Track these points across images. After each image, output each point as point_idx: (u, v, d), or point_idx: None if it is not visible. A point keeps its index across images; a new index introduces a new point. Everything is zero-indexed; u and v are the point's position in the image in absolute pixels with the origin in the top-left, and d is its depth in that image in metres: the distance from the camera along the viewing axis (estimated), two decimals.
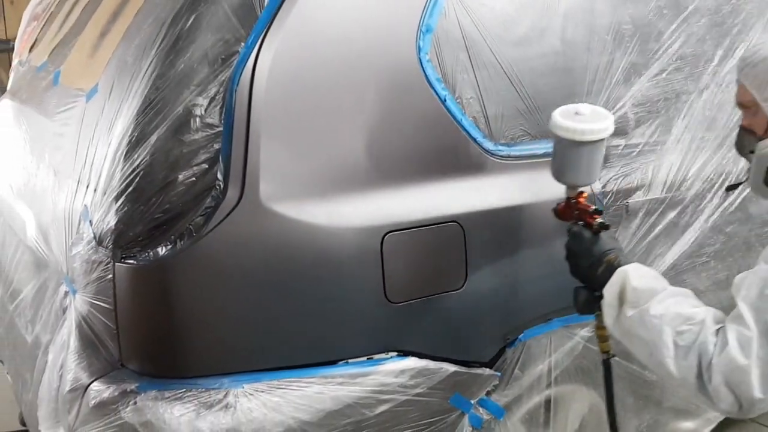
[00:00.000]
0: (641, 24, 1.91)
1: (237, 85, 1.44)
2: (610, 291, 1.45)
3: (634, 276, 1.43)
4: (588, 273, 1.51)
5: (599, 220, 1.53)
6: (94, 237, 1.48)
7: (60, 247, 1.65)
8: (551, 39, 1.78)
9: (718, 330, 1.30)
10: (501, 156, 1.71)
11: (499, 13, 1.71)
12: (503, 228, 1.71)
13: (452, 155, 1.66)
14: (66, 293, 1.63)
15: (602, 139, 1.53)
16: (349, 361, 1.56)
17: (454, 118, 1.64)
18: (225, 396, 1.44)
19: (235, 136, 1.44)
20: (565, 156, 1.56)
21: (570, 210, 1.59)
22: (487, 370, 1.73)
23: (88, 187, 1.55)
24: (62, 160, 1.74)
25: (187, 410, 1.42)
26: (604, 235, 1.53)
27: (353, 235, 1.52)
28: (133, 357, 1.48)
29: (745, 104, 1.50)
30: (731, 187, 1.95)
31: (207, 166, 1.43)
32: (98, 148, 1.55)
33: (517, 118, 1.73)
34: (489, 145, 1.69)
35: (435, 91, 1.61)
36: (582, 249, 1.52)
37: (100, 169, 1.51)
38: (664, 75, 1.97)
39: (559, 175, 1.60)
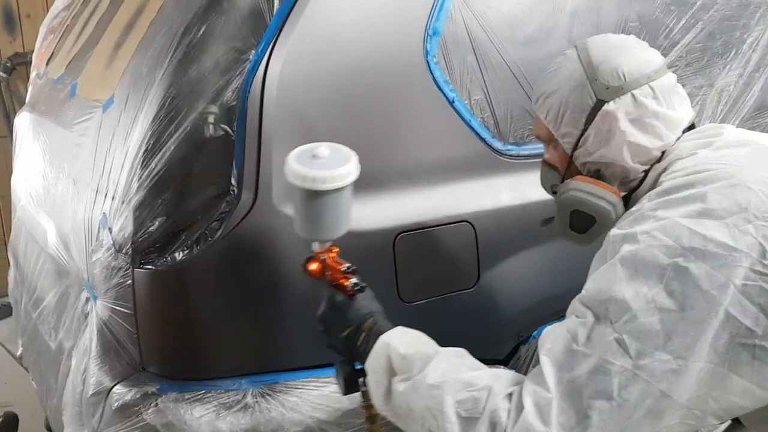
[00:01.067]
0: (648, 21, 1.92)
1: (248, 91, 1.46)
2: (373, 365, 1.21)
3: (399, 342, 1.21)
4: (347, 344, 1.27)
5: (353, 280, 1.30)
6: (114, 244, 1.51)
7: (80, 254, 1.69)
8: (558, 38, 1.80)
9: (510, 394, 1.10)
10: (511, 155, 1.73)
11: (506, 14, 1.72)
12: (514, 226, 1.73)
13: (462, 156, 1.68)
14: (87, 299, 1.67)
15: (346, 186, 1.28)
16: None
17: (463, 119, 1.66)
18: (244, 397, 1.47)
19: (247, 141, 1.47)
20: (306, 207, 1.29)
21: (320, 267, 1.34)
22: (501, 367, 1.74)
23: (106, 195, 1.59)
24: (81, 170, 1.78)
25: (207, 411, 1.45)
26: (360, 297, 1.29)
27: (366, 237, 1.55)
28: (154, 360, 1.51)
29: (543, 138, 1.39)
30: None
31: (221, 172, 1.46)
32: (115, 157, 1.59)
33: (525, 117, 1.74)
34: (498, 144, 1.71)
35: (443, 92, 1.63)
36: (336, 316, 1.28)
37: (117, 177, 1.55)
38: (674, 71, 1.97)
39: (302, 230, 1.32)
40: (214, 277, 1.46)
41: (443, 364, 1.16)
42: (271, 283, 1.49)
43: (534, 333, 1.77)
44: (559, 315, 1.78)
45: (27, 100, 2.70)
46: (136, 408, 1.46)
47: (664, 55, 1.93)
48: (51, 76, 2.40)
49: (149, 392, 1.47)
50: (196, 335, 1.48)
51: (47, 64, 2.56)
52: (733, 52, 2.08)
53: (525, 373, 1.75)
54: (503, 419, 1.08)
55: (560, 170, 1.37)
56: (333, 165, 1.28)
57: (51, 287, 2.00)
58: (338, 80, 1.54)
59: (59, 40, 2.55)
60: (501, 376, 1.15)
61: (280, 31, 1.49)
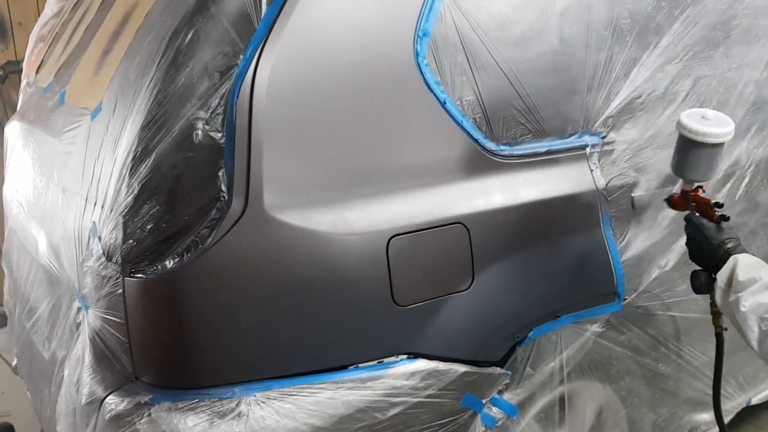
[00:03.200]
0: (640, 18, 1.91)
1: (237, 97, 1.45)
2: (721, 275, 1.60)
3: (741, 265, 1.57)
4: (710, 257, 1.66)
5: (720, 212, 1.69)
6: (104, 253, 1.50)
7: (71, 264, 1.67)
8: (549, 38, 1.78)
9: None
10: (503, 156, 1.72)
11: (496, 14, 1.71)
12: (508, 227, 1.72)
13: (454, 157, 1.66)
14: (79, 309, 1.66)
15: (723, 143, 1.68)
16: (360, 365, 1.57)
17: (455, 120, 1.65)
18: (237, 405, 1.45)
19: (237, 147, 1.45)
20: (689, 155, 1.70)
21: (685, 201, 1.76)
22: (498, 369, 1.73)
23: (95, 203, 1.57)
24: (70, 178, 1.77)
25: (200, 420, 1.44)
26: (725, 224, 1.68)
27: (358, 241, 1.53)
28: (146, 369, 1.50)
29: None
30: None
31: (211, 178, 1.45)
32: (104, 165, 1.57)
33: (517, 117, 1.73)
34: (491, 145, 1.70)
35: (434, 94, 1.62)
36: (704, 237, 1.67)
37: (106, 185, 1.53)
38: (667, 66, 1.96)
39: (679, 171, 1.75)
40: (205, 285, 1.44)
41: (763, 291, 1.52)
42: (263, 290, 1.47)
43: (530, 334, 1.76)
44: (556, 315, 1.80)
45: (17, 109, 2.68)
46: (129, 418, 1.45)
47: (657, 50, 1.93)
48: (40, 84, 2.39)
49: (142, 402, 1.45)
50: (188, 343, 1.46)
51: (37, 72, 2.55)
52: (732, 43, 2.07)
53: (522, 377, 1.78)
54: None
55: None
56: (717, 125, 1.67)
57: (43, 297, 1.99)
58: (328, 83, 1.53)
59: (48, 48, 2.54)
60: None
61: (269, 35, 1.48)
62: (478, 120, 1.68)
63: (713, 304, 1.72)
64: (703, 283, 1.69)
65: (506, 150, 1.72)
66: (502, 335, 1.75)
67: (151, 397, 1.46)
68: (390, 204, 1.58)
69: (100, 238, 1.51)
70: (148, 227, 1.44)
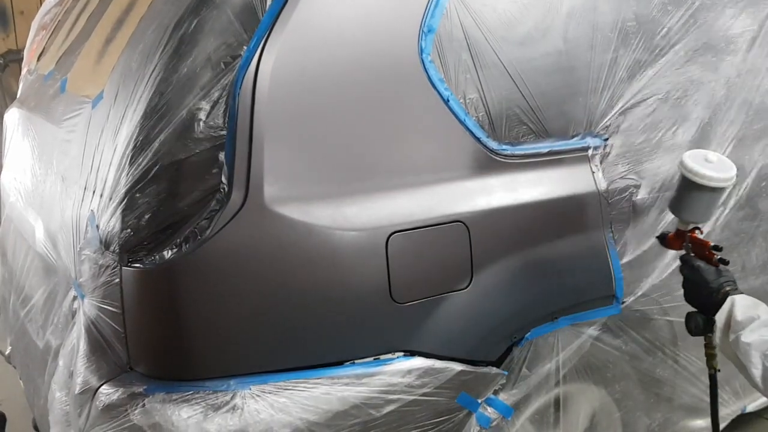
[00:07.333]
0: (645, 20, 1.90)
1: (240, 88, 1.45)
2: (720, 316, 1.62)
3: (739, 305, 1.59)
4: (707, 301, 1.66)
5: (719, 255, 1.68)
6: (101, 242, 1.49)
7: (68, 252, 1.67)
8: (554, 38, 1.78)
9: None
10: (505, 155, 1.71)
11: (501, 12, 1.71)
12: (508, 227, 1.71)
13: (456, 155, 1.66)
14: (75, 298, 1.65)
15: (724, 188, 1.70)
16: (356, 361, 1.56)
17: (458, 118, 1.64)
18: (232, 398, 1.45)
19: (238, 139, 1.45)
20: (690, 196, 1.71)
21: (680, 241, 1.76)
22: (494, 368, 1.72)
23: (94, 192, 1.56)
24: (69, 166, 1.76)
25: (194, 412, 1.43)
26: (723, 268, 1.68)
27: (358, 237, 1.53)
28: (141, 360, 1.49)
29: None
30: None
31: (211, 170, 1.44)
32: (104, 153, 1.56)
33: (520, 117, 1.73)
34: (493, 144, 1.69)
35: (438, 91, 1.62)
36: (703, 280, 1.67)
37: (105, 174, 1.52)
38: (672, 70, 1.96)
39: (677, 210, 1.76)
40: (203, 276, 1.43)
41: (762, 329, 1.53)
42: (260, 283, 1.46)
43: (528, 335, 1.76)
44: (554, 317, 1.79)
45: (17, 96, 2.67)
46: (123, 408, 1.44)
47: (662, 54, 1.93)
48: (41, 71, 2.38)
49: (136, 392, 1.44)
50: (184, 335, 1.45)
51: (38, 60, 2.54)
52: (733, 48, 2.07)
53: (518, 378, 1.77)
54: None
55: None
56: (721, 170, 1.68)
57: (39, 285, 1.97)
58: (331, 77, 1.52)
59: (50, 36, 2.53)
60: None
61: (273, 26, 1.48)
62: (480, 119, 1.67)
63: (708, 345, 1.73)
64: (700, 325, 1.69)
65: (508, 149, 1.72)
66: (499, 335, 1.74)
67: (145, 387, 1.45)
68: (390, 201, 1.58)
69: (98, 227, 1.50)
70: (147, 217, 1.43)
